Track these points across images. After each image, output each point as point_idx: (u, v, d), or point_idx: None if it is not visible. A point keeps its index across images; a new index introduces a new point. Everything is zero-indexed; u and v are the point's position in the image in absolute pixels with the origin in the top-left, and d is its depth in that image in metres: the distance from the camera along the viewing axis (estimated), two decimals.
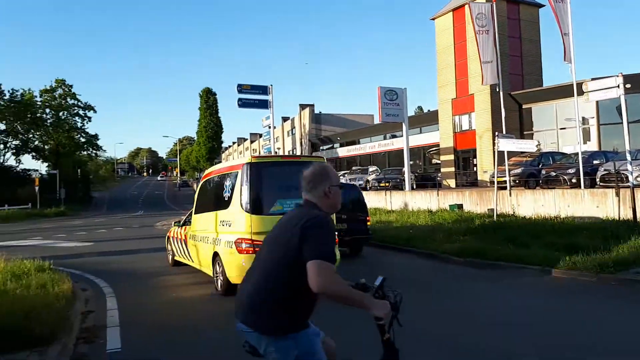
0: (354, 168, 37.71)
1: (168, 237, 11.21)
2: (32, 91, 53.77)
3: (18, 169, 55.75)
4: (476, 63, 22.83)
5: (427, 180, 28.14)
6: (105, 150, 78.06)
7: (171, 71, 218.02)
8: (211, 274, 8.23)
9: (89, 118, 58.09)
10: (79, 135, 58.16)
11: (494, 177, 16.60)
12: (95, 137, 59.94)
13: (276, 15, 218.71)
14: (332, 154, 52.84)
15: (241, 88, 30.58)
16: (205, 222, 8.79)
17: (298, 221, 2.30)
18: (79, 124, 57.67)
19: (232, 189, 7.78)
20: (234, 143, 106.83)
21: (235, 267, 7.25)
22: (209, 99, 65.00)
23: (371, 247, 12.72)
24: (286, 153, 58.08)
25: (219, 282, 7.89)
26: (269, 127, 33.16)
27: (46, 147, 56.29)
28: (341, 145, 51.40)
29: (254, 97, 31.08)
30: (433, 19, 33.66)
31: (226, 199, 7.97)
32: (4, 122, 51.42)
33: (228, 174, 8.25)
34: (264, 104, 31.25)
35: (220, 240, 7.84)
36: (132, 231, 18.43)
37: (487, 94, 28.27)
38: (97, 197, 57.27)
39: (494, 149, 16.26)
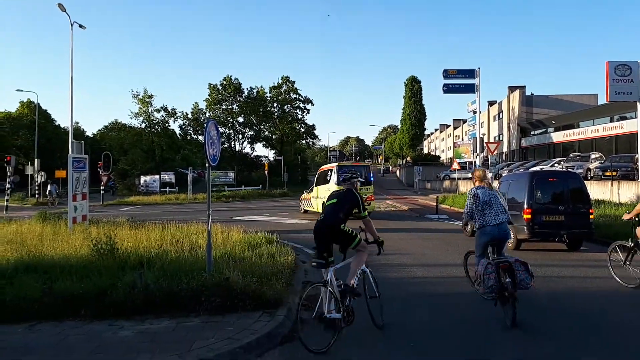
0: (571, 154, 33.52)
1: (301, 199, 23.46)
2: (263, 88, 63.01)
3: (252, 155, 66.26)
4: None
5: None
6: (320, 139, 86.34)
7: (379, 60, 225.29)
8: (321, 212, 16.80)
9: (308, 110, 65.12)
10: (299, 126, 65.82)
11: None
12: (313, 127, 67.05)
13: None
14: (544, 139, 47.89)
15: (447, 73, 30.21)
16: (320, 190, 19.98)
17: None
18: (299, 116, 65.15)
19: (331, 175, 19.20)
20: (436, 130, 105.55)
21: None
22: (413, 87, 65.35)
23: (593, 244, 11.80)
24: (491, 139, 56.02)
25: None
26: (474, 112, 31.96)
27: (273, 136, 65.18)
28: (556, 130, 46.10)
29: (460, 81, 30.42)
30: None
31: (329, 179, 19.31)
32: (242, 115, 61.33)
33: (330, 169, 19.88)
34: (470, 88, 30.33)
35: (325, 197, 16.52)
36: None
37: None
38: (312, 180, 63.57)
39: None
